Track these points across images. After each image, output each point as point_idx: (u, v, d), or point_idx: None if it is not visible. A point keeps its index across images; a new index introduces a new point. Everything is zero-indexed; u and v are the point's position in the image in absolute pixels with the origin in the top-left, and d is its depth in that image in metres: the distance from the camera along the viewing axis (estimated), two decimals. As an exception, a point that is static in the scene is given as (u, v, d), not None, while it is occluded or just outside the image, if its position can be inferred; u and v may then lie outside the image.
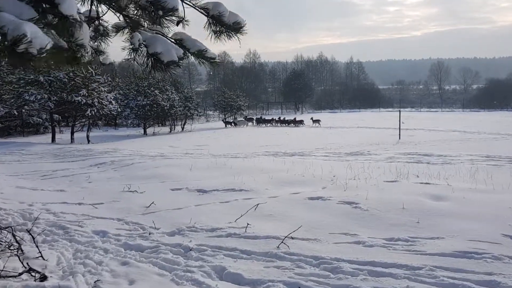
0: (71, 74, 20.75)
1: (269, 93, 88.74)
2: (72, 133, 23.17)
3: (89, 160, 11.97)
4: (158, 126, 34.47)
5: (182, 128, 33.78)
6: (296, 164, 10.05)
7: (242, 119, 38.17)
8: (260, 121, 35.60)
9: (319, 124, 32.03)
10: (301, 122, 33.21)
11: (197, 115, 36.16)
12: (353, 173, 8.46)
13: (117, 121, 38.14)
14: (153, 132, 30.22)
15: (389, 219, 5.27)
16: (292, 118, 34.72)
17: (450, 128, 25.80)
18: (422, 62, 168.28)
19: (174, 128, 33.31)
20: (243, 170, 8.96)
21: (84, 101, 20.47)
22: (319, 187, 7.20)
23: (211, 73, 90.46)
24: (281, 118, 34.98)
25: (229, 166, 9.57)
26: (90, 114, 20.96)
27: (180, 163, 10.36)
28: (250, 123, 36.01)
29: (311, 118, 33.55)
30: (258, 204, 5.92)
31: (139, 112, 28.99)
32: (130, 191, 7.39)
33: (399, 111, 21.55)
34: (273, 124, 35.06)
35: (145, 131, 30.07)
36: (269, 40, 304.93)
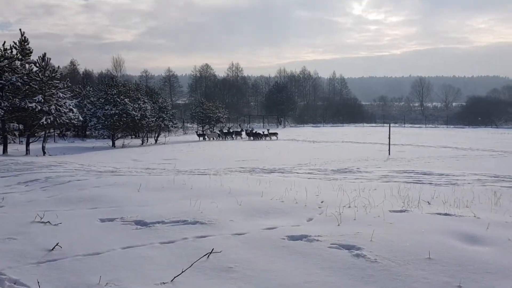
0: (25, 77, 18.45)
1: (252, 106, 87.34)
2: (27, 144, 20.74)
3: (22, 176, 9.79)
4: (131, 138, 32.07)
5: (156, 141, 31.59)
6: (274, 184, 8.14)
7: (214, 131, 36.47)
8: (222, 134, 33.68)
9: (276, 137, 30.67)
10: (258, 135, 31.43)
11: (172, 126, 33.92)
12: (346, 197, 6.58)
13: (86, 132, 35.62)
14: (122, 144, 27.85)
15: (412, 279, 3.37)
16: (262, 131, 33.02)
17: (440, 144, 24.42)
18: (402, 80, 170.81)
19: (147, 140, 31.11)
20: (205, 191, 6.98)
21: (39, 108, 18.15)
22: (303, 219, 5.28)
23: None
24: (251, 131, 33.01)
25: (189, 186, 7.58)
26: (45, 122, 18.60)
27: (129, 181, 8.30)
28: (220, 138, 33.47)
29: (267, 130, 32.43)
30: (212, 250, 3.95)
31: (106, 122, 26.56)
32: (42, 222, 5.32)
33: (389, 125, 20.02)
34: (234, 137, 33.42)
35: (113, 143, 27.69)
36: (253, 55, 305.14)
